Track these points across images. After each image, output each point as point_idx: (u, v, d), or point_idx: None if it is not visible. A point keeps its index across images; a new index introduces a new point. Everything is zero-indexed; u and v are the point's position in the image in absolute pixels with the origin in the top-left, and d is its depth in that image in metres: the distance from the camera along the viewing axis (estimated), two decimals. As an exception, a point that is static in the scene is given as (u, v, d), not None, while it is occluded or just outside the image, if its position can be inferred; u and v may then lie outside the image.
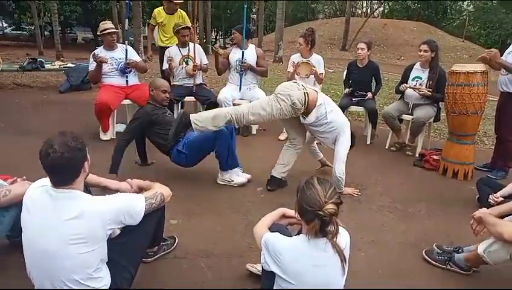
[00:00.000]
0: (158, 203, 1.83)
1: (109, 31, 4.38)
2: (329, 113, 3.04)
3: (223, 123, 3.02)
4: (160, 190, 1.88)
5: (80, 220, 1.50)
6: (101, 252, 1.60)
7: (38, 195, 1.57)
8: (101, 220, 1.55)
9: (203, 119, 3.03)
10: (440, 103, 4.24)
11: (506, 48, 3.78)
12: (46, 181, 1.59)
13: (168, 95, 3.42)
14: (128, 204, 1.66)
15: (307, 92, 2.94)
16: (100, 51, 4.44)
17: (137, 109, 4.64)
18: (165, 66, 4.90)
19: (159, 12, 5.47)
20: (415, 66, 4.37)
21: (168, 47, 5.05)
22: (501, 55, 3.60)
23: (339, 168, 3.08)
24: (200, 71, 4.92)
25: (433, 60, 4.16)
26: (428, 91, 4.10)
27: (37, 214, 1.54)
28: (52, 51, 13.11)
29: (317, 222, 1.47)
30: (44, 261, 1.52)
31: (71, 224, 1.49)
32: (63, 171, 1.51)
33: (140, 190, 2.02)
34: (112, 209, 1.59)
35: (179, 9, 5.55)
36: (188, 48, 4.80)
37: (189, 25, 5.14)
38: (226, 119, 3.00)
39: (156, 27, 5.51)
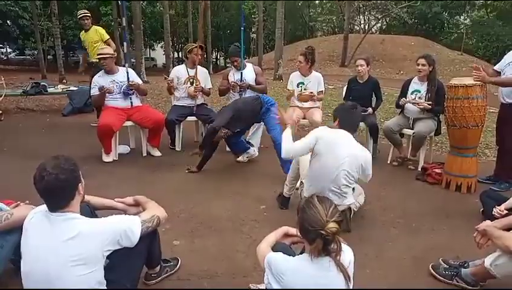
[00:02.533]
0: (154, 226, 1.86)
1: (103, 56, 4.43)
2: None
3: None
4: (157, 213, 1.90)
5: (77, 241, 1.51)
6: (99, 275, 1.60)
7: (37, 220, 1.58)
8: (98, 241, 1.56)
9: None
10: (440, 116, 4.25)
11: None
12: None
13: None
14: (125, 226, 1.67)
15: None
16: (101, 75, 4.49)
17: (139, 130, 4.70)
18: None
19: (82, 32, 6.15)
20: (413, 80, 4.40)
21: (94, 62, 5.51)
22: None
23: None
24: (201, 93, 4.97)
25: (431, 74, 4.20)
26: (428, 104, 4.12)
27: (36, 238, 1.55)
28: (55, 74, 13.30)
29: (319, 241, 1.46)
30: (44, 285, 1.52)
31: (70, 245, 1.50)
32: (58, 194, 1.52)
33: (136, 203, 2.04)
34: (109, 230, 1.61)
35: (94, 26, 6.09)
36: (195, 69, 4.89)
37: (106, 37, 5.95)
38: None
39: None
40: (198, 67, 4.92)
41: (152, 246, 2.05)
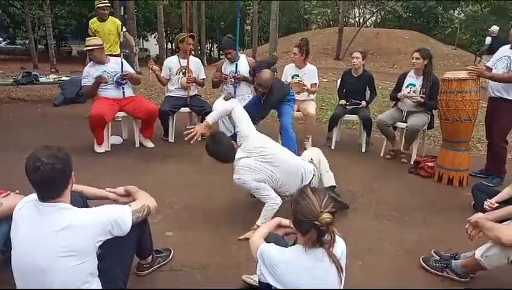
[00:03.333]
0: (144, 215, 1.86)
1: (90, 48, 4.34)
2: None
3: None
4: (147, 203, 1.89)
5: (68, 232, 1.50)
6: (91, 265, 1.59)
7: (26, 210, 1.56)
8: (89, 232, 1.55)
9: None
10: (434, 110, 4.27)
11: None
12: (36, 196, 1.58)
13: None
14: (116, 215, 1.66)
15: None
16: (92, 65, 4.41)
17: (132, 120, 4.66)
18: (164, 73, 4.92)
19: (94, 21, 5.60)
20: (408, 74, 4.41)
21: (108, 54, 4.97)
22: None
23: None
24: (195, 84, 4.93)
25: (427, 68, 4.20)
26: (421, 98, 4.13)
27: (26, 229, 1.53)
28: (46, 64, 13.12)
29: (313, 232, 1.46)
30: (34, 276, 1.50)
31: (60, 236, 1.49)
32: (53, 184, 1.50)
33: (127, 193, 2.03)
34: (100, 220, 1.59)
35: (111, 17, 5.70)
36: (186, 60, 4.83)
37: (124, 30, 5.26)
38: None
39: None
40: (191, 57, 4.86)
41: (142, 236, 2.05)
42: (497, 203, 2.73)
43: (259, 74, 3.71)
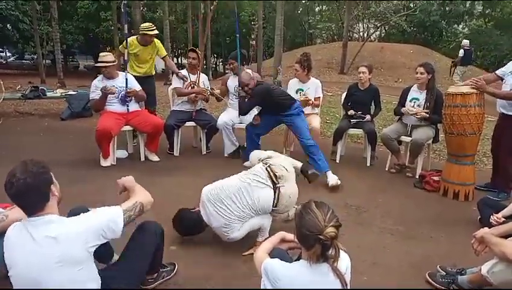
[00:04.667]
0: (137, 214, 1.82)
1: (105, 64, 4.34)
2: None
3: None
4: (140, 199, 1.86)
5: (58, 242, 1.51)
6: (89, 271, 1.61)
7: (17, 229, 1.57)
8: (80, 239, 1.56)
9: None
10: (438, 124, 4.27)
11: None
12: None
13: None
14: (107, 218, 1.66)
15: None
16: (101, 80, 4.47)
17: (137, 135, 4.70)
18: (175, 83, 4.98)
19: (133, 42, 5.02)
20: (412, 88, 4.43)
21: (141, 76, 4.97)
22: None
23: None
24: (202, 98, 4.99)
25: (430, 82, 4.22)
26: (426, 113, 4.14)
27: (18, 247, 1.53)
28: (54, 79, 13.30)
29: (318, 247, 1.45)
30: (40, 286, 1.51)
31: (51, 247, 1.50)
32: (29, 197, 1.51)
33: (124, 189, 2.00)
34: (90, 227, 1.60)
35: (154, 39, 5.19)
36: (196, 75, 4.89)
37: (164, 53, 5.23)
38: None
39: (126, 53, 4.91)
40: (201, 75, 4.95)
41: (157, 253, 2.08)
42: (504, 217, 2.71)
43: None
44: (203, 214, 2.63)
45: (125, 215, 1.74)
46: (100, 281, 1.68)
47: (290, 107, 4.14)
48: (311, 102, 4.66)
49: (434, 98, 4.16)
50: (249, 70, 4.19)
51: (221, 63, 36.61)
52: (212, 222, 2.58)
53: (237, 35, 5.14)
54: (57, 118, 7.10)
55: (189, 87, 4.89)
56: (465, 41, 12.60)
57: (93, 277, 1.63)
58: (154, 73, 5.37)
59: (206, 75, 5.41)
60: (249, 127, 4.46)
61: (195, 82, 4.88)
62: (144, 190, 1.97)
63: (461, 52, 12.09)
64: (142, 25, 5.01)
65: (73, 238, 1.54)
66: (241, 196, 2.57)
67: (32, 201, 1.53)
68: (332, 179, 3.89)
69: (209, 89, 4.93)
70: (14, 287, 1.57)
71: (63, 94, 7.51)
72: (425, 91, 4.25)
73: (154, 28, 4.97)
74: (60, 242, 1.51)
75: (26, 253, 1.51)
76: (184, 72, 5.03)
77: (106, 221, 1.65)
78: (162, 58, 5.32)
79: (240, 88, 4.64)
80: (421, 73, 4.21)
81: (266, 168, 2.72)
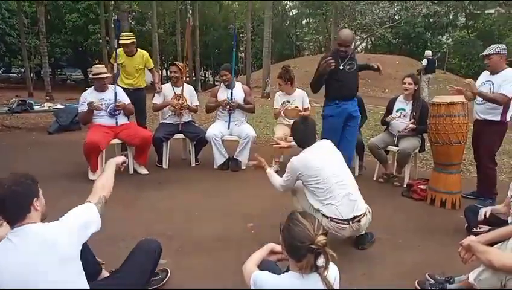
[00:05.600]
0: (104, 205, 1.91)
1: (103, 76, 4.42)
2: None
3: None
4: (103, 193, 1.95)
5: (51, 246, 1.53)
6: (78, 267, 1.64)
7: (2, 245, 1.56)
8: (72, 238, 1.61)
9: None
10: (424, 133, 4.35)
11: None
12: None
13: None
14: (86, 215, 1.74)
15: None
16: (91, 92, 4.48)
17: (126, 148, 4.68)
18: (156, 100, 4.97)
19: (120, 52, 5.01)
20: (398, 99, 4.51)
21: (130, 89, 4.98)
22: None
23: None
24: (187, 110, 4.99)
25: (416, 92, 4.31)
26: (412, 124, 4.21)
27: (4, 259, 1.51)
28: (42, 92, 13.19)
29: (310, 256, 1.46)
30: None
31: (46, 253, 1.51)
32: (11, 205, 1.54)
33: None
34: (74, 226, 1.65)
35: (139, 50, 5.18)
36: (181, 87, 4.90)
37: (152, 66, 5.28)
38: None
39: (115, 66, 4.96)
40: (185, 85, 4.95)
41: (153, 268, 2.17)
42: (492, 215, 2.76)
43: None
44: None
45: (98, 207, 1.83)
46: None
47: None
48: (299, 110, 4.69)
49: (420, 108, 4.24)
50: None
51: (210, 75, 36.74)
52: None
53: (234, 49, 5.22)
54: (45, 132, 7.02)
55: (174, 99, 4.88)
56: (428, 52, 13.79)
57: (80, 270, 1.65)
58: (143, 86, 5.36)
59: (195, 87, 5.42)
60: None
61: (180, 94, 4.89)
62: (110, 175, 2.10)
63: (425, 61, 13.16)
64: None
65: (66, 237, 1.58)
66: None
67: (13, 210, 1.55)
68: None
69: (179, 102, 4.84)
70: None
71: (51, 108, 7.45)
72: (412, 101, 4.33)
73: (130, 36, 5.02)
74: (53, 241, 1.54)
75: (16, 266, 1.49)
76: (168, 85, 5.03)
77: (88, 217, 1.74)
78: (149, 70, 5.35)
79: (232, 100, 4.67)
80: (409, 84, 4.30)
81: None
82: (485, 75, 3.86)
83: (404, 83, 4.35)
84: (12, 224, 1.56)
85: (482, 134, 3.85)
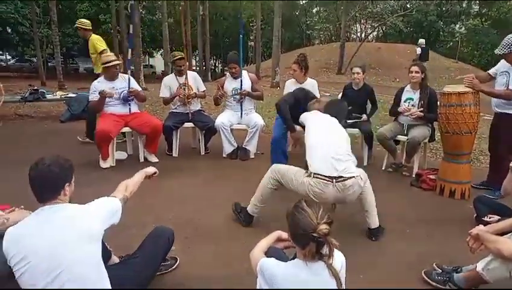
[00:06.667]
0: (124, 203, 1.96)
1: (114, 63, 4.47)
2: None
3: (269, 194, 3.02)
4: (126, 194, 2.02)
5: (79, 219, 1.61)
6: (99, 250, 1.68)
7: (24, 224, 1.61)
8: (97, 218, 1.67)
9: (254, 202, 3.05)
10: (434, 123, 4.30)
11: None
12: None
13: None
14: (112, 206, 1.82)
15: None
16: (101, 81, 4.52)
17: (137, 136, 4.73)
18: (164, 93, 5.00)
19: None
20: (405, 89, 4.46)
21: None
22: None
23: None
24: (196, 98, 5.00)
25: (423, 81, 4.27)
26: (420, 112, 4.17)
27: (34, 237, 1.55)
28: (54, 81, 13.34)
29: (312, 245, 1.48)
30: (58, 272, 1.54)
31: (71, 226, 1.58)
32: (45, 183, 1.60)
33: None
34: (100, 210, 1.73)
35: (92, 35, 5.59)
36: (184, 76, 4.91)
37: (98, 49, 5.45)
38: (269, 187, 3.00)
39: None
40: (188, 72, 4.95)
41: (165, 255, 2.24)
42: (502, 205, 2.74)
43: None
44: None
45: (122, 203, 1.89)
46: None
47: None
48: None
49: (427, 96, 4.20)
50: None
51: (220, 64, 36.66)
52: None
53: (241, 35, 5.15)
54: (57, 121, 7.11)
55: (180, 89, 4.90)
56: (421, 40, 14.11)
57: (100, 262, 1.69)
58: (97, 72, 5.50)
59: (205, 76, 5.43)
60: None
61: (185, 83, 4.89)
62: (136, 181, 2.17)
63: (419, 50, 13.45)
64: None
65: (92, 216, 1.65)
66: None
67: (46, 189, 1.61)
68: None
69: (186, 92, 4.86)
70: (28, 279, 1.55)
71: (63, 96, 7.52)
72: (419, 90, 4.29)
73: (82, 21, 5.51)
74: (81, 219, 1.61)
75: (48, 240, 1.54)
76: (172, 76, 5.05)
77: (112, 208, 1.80)
78: (100, 53, 5.44)
79: (242, 90, 4.67)
80: (416, 72, 4.25)
81: None
82: (503, 64, 3.75)
83: (411, 72, 4.30)
84: (41, 201, 1.62)
85: (500, 127, 3.79)
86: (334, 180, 2.64)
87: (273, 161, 3.98)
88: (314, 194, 2.67)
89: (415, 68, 4.27)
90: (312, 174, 2.69)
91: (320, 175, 2.66)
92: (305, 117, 3.27)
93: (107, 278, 1.69)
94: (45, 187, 1.61)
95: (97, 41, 5.55)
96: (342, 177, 2.66)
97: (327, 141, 2.82)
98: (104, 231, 1.71)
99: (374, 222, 2.91)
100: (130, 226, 2.89)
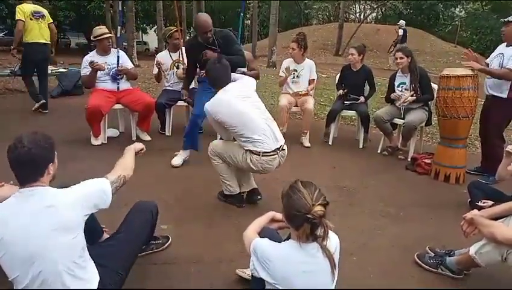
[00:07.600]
0: (121, 185, 1.87)
1: (105, 36, 4.35)
2: None
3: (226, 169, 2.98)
4: (123, 172, 1.91)
5: (54, 209, 1.52)
6: (82, 240, 1.62)
7: (9, 203, 1.55)
8: (76, 208, 1.57)
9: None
10: (431, 107, 4.26)
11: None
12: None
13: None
14: (98, 188, 1.70)
15: None
16: (93, 56, 4.40)
17: (129, 113, 4.64)
18: (156, 70, 4.89)
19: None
20: (397, 74, 4.43)
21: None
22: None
23: None
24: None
25: (411, 64, 4.23)
26: (412, 95, 4.15)
27: (10, 225, 1.50)
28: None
29: (306, 226, 1.45)
30: (32, 261, 1.49)
31: (47, 214, 1.50)
32: (26, 167, 1.52)
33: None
34: (83, 196, 1.62)
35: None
36: (178, 52, 4.79)
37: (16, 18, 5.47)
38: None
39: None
40: (182, 48, 4.84)
41: (151, 233, 2.17)
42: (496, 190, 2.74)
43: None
44: None
45: (113, 186, 1.77)
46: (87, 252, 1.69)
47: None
48: (306, 92, 4.69)
49: (418, 78, 4.17)
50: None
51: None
52: None
53: (241, 14, 5.03)
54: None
55: (174, 67, 4.81)
56: (402, 22, 14.12)
57: (84, 246, 1.64)
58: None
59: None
60: None
61: (178, 60, 4.79)
62: (126, 165, 2.00)
63: (401, 31, 13.47)
64: None
65: (70, 206, 1.56)
66: None
67: (27, 171, 1.53)
68: (177, 159, 3.87)
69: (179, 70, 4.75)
70: (5, 262, 1.52)
71: (54, 72, 7.35)
72: (409, 74, 4.25)
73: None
74: (58, 209, 1.52)
75: (22, 227, 1.48)
76: (165, 53, 4.94)
77: (98, 191, 1.68)
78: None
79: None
80: (401, 58, 4.24)
81: None
82: (500, 47, 3.73)
83: (396, 58, 4.31)
84: (22, 184, 1.55)
85: (490, 110, 3.77)
86: (278, 151, 2.80)
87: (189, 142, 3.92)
88: (262, 169, 2.81)
89: (399, 54, 4.27)
90: (261, 154, 2.74)
91: (268, 152, 2.75)
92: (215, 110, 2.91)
93: (89, 266, 1.65)
94: (26, 171, 1.53)
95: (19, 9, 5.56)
96: (281, 146, 2.84)
97: (263, 116, 2.84)
98: (87, 216, 1.63)
99: None
100: (121, 204, 2.83)
